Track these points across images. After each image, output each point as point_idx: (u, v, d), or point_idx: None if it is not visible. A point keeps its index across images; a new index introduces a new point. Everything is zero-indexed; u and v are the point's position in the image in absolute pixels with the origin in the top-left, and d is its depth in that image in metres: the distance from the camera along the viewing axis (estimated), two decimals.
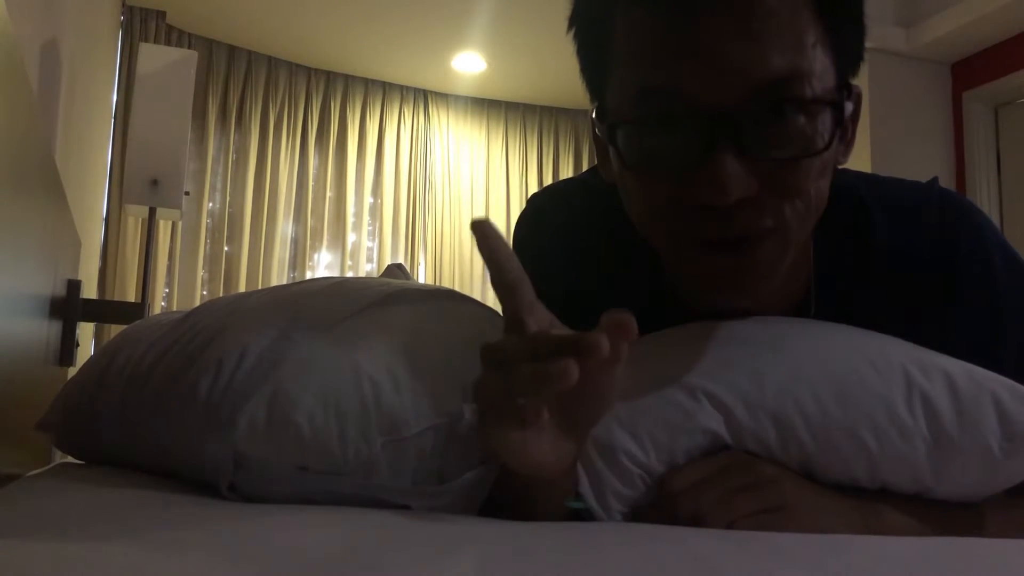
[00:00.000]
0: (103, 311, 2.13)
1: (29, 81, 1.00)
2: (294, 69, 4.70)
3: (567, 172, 5.26)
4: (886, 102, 3.30)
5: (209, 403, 0.63)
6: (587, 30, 0.64)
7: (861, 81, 0.61)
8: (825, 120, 0.56)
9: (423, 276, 4.91)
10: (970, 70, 3.47)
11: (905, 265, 0.67)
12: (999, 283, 0.66)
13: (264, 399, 0.60)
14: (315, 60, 4.70)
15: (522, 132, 5.25)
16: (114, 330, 3.16)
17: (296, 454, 0.60)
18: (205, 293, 4.37)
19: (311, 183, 4.69)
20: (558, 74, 4.62)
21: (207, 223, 4.39)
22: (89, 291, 2.78)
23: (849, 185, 0.68)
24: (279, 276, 4.51)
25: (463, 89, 5.03)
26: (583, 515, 0.55)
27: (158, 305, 4.03)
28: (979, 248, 0.67)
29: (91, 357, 0.85)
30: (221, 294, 4.28)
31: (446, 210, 4.99)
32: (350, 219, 4.75)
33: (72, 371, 1.56)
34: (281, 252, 4.57)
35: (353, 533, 0.47)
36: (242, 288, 4.31)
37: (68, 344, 1.63)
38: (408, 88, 5.01)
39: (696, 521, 0.53)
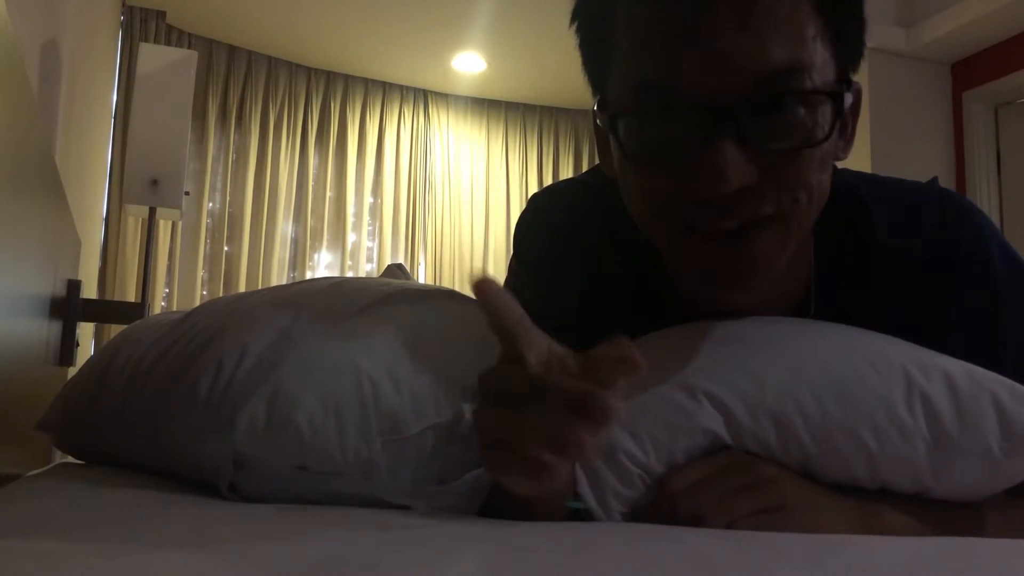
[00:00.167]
0: (103, 311, 2.13)
1: (29, 81, 1.00)
2: (294, 69, 4.70)
3: (567, 172, 5.26)
4: (886, 102, 3.30)
5: (209, 403, 0.63)
6: (589, 24, 0.64)
7: (861, 80, 0.61)
8: (825, 112, 0.56)
9: (423, 276, 4.91)
10: (970, 70, 3.47)
11: (905, 265, 0.67)
12: (999, 283, 0.66)
13: (264, 399, 0.60)
14: (315, 60, 4.70)
15: (522, 132, 5.25)
16: (114, 330, 3.16)
17: (296, 454, 0.60)
18: (205, 293, 4.37)
19: (311, 183, 4.70)
20: (558, 74, 4.63)
21: (207, 223, 4.39)
22: (89, 291, 2.78)
23: (849, 185, 0.68)
24: (279, 276, 4.51)
25: (463, 89, 5.03)
26: (583, 515, 0.55)
27: (158, 305, 4.03)
28: (979, 248, 0.67)
29: (91, 357, 0.85)
30: (221, 294, 4.28)
31: (446, 210, 4.99)
32: (350, 219, 4.75)
33: (72, 371, 1.56)
34: (281, 252, 4.57)
35: (353, 533, 0.47)
36: (242, 288, 4.31)
37: (68, 344, 1.63)
38: (408, 88, 5.01)
39: (696, 521, 0.53)
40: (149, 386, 0.70)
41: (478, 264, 5.01)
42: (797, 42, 0.55)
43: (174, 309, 3.55)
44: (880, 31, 3.30)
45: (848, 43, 0.59)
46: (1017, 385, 0.59)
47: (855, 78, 0.61)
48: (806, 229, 0.61)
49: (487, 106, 5.20)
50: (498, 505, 0.56)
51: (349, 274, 4.67)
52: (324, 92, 4.79)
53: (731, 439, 0.57)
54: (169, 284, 4.21)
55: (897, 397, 0.57)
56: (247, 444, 0.60)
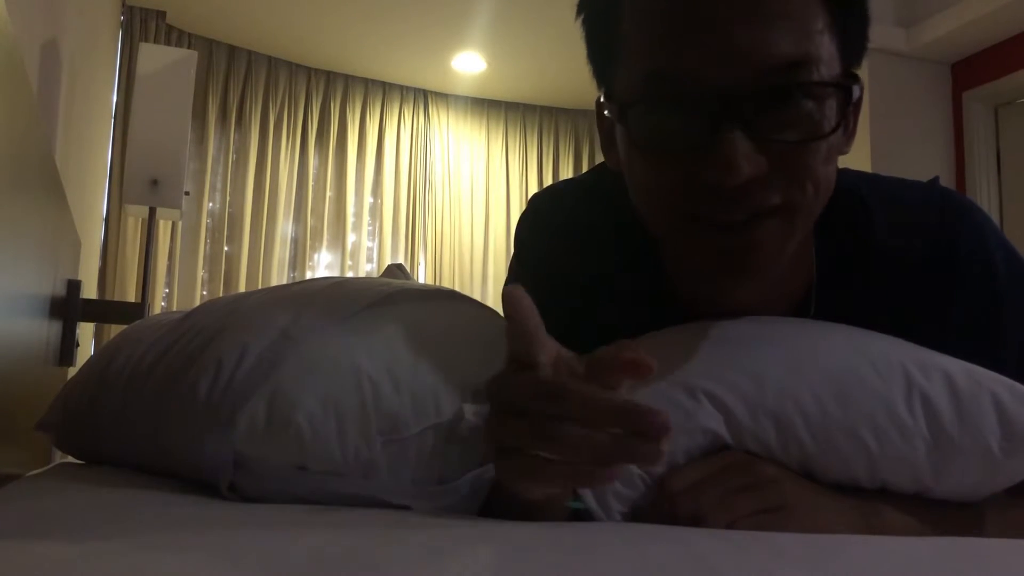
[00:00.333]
0: (103, 311, 2.13)
1: (29, 81, 1.00)
2: (294, 69, 4.70)
3: (567, 172, 5.26)
4: (886, 102, 3.30)
5: (209, 403, 0.63)
6: (596, 16, 0.64)
7: (861, 79, 0.61)
8: (832, 105, 0.57)
9: (423, 276, 4.91)
10: (970, 70, 3.47)
11: (905, 265, 0.67)
12: (1000, 283, 0.66)
13: (264, 399, 0.60)
14: (315, 60, 4.70)
15: (522, 132, 5.25)
16: (114, 330, 3.16)
17: (296, 454, 0.60)
18: (205, 293, 4.37)
19: (311, 183, 4.69)
20: (558, 74, 4.63)
21: (207, 223, 4.39)
22: (89, 291, 2.78)
23: (850, 185, 0.68)
24: (279, 276, 4.51)
25: (463, 89, 5.03)
26: (583, 515, 0.55)
27: (158, 305, 4.03)
28: (980, 248, 0.67)
29: (91, 357, 0.85)
30: (221, 294, 4.28)
31: (446, 210, 4.99)
32: (350, 219, 4.75)
33: (72, 371, 1.56)
34: (281, 252, 4.57)
35: (353, 533, 0.47)
36: (242, 288, 4.31)
37: (68, 344, 1.63)
38: (408, 88, 5.01)
39: (696, 521, 0.53)
40: (149, 386, 0.70)
41: (478, 264, 5.01)
42: (806, 35, 0.55)
43: (174, 309, 3.55)
44: (880, 31, 3.30)
45: (852, 39, 0.59)
46: (1017, 385, 0.59)
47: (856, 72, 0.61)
48: (810, 222, 0.61)
49: (487, 106, 5.20)
50: (498, 505, 0.56)
51: (349, 274, 4.67)
52: (324, 92, 4.79)
53: (731, 439, 0.57)
54: (169, 284, 4.21)
55: (897, 397, 0.57)
56: (247, 444, 0.60)
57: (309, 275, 4.59)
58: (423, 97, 5.06)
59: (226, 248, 4.45)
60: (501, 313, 0.49)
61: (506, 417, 0.45)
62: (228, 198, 4.47)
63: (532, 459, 0.44)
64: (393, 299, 0.70)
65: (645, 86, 0.58)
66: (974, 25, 3.23)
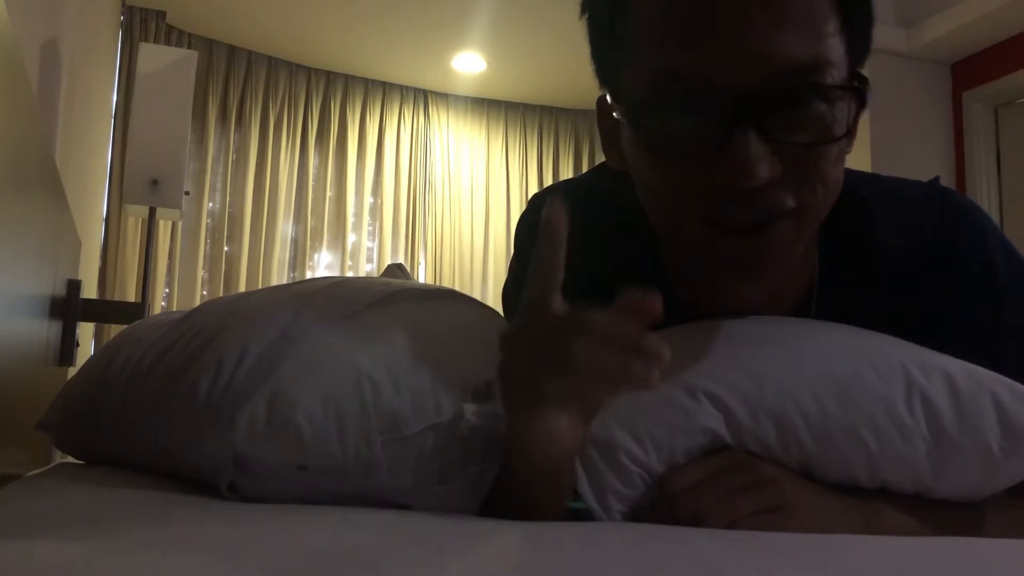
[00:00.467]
0: (103, 311, 2.13)
1: (29, 81, 1.00)
2: (294, 69, 4.70)
3: (567, 172, 5.26)
4: (886, 102, 3.30)
5: (209, 403, 0.63)
6: (601, 15, 0.63)
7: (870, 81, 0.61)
8: (843, 107, 0.57)
9: (423, 276, 4.91)
10: (970, 70, 3.47)
11: (906, 265, 0.67)
12: (1000, 283, 0.66)
13: (264, 399, 0.60)
14: (315, 60, 4.70)
15: (522, 132, 5.25)
16: (114, 330, 3.16)
17: (296, 454, 0.60)
18: (205, 293, 4.37)
19: (311, 183, 4.70)
20: (558, 74, 4.63)
21: (207, 223, 4.39)
22: (89, 291, 2.78)
23: (851, 185, 0.68)
24: (279, 276, 4.51)
25: (463, 89, 5.04)
26: (583, 515, 0.55)
27: (158, 305, 4.03)
28: (980, 248, 0.66)
29: (91, 357, 0.85)
30: (221, 294, 4.28)
31: (446, 210, 4.99)
32: (350, 219, 4.75)
33: (72, 371, 1.57)
34: (281, 252, 4.57)
35: (353, 533, 0.47)
36: (242, 288, 4.31)
37: (68, 344, 1.63)
38: (408, 88, 5.01)
39: (696, 521, 0.53)
40: (149, 386, 0.70)
41: (478, 264, 5.01)
42: (819, 37, 0.55)
43: (174, 309, 3.55)
44: (880, 31, 3.26)
45: (859, 39, 0.59)
46: (1017, 385, 0.59)
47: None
48: (818, 223, 0.61)
49: (487, 106, 5.20)
50: (498, 505, 0.56)
51: (349, 274, 4.67)
52: (324, 92, 4.79)
53: (731, 439, 0.57)
54: (169, 284, 4.21)
55: (897, 397, 0.56)
56: (247, 444, 0.59)
57: (309, 275, 4.60)
58: (423, 97, 5.06)
59: (226, 248, 4.45)
60: (501, 313, 0.49)
61: (521, 341, 0.52)
62: (228, 198, 4.47)
63: (544, 385, 0.51)
64: (393, 299, 0.70)
65: (655, 86, 0.57)
66: (974, 25, 3.23)
